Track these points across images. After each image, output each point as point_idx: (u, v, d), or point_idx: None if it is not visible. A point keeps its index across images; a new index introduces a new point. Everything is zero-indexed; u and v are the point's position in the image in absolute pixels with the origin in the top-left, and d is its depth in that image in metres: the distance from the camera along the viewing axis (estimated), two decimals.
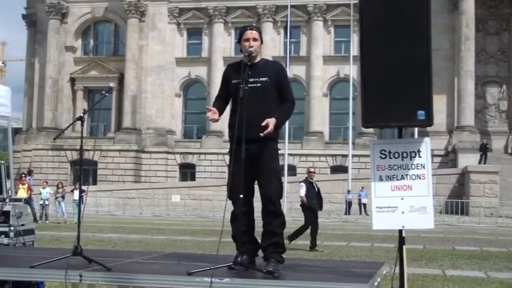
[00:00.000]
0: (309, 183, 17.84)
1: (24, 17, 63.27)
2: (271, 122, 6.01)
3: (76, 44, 60.19)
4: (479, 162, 47.31)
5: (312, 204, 17.65)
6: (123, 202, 45.27)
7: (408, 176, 6.06)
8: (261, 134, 5.98)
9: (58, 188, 32.15)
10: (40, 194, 31.47)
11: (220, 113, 6.45)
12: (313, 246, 17.22)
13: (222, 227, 5.64)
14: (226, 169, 50.33)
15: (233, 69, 6.37)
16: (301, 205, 18.04)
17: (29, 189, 29.19)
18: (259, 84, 6.21)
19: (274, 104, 6.28)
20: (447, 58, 51.84)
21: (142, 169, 56.97)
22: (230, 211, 6.25)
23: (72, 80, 59.52)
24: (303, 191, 17.62)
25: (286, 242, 16.17)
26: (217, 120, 6.30)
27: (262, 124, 5.99)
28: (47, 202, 30.85)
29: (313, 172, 18.36)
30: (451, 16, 52.61)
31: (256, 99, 6.14)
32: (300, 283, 5.44)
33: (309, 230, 17.55)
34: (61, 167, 56.41)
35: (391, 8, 6.00)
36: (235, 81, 6.22)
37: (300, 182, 18.22)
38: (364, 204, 42.17)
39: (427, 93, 5.92)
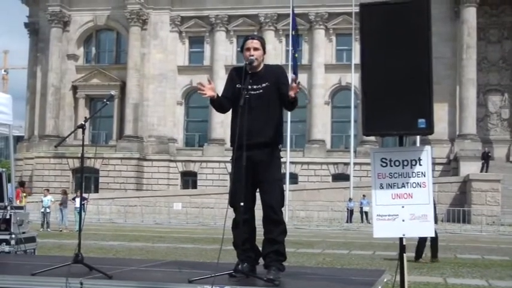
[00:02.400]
0: None
1: (26, 25, 63.39)
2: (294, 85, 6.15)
3: (78, 52, 60.28)
4: (481, 171, 47.28)
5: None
6: (125, 210, 45.25)
7: (409, 184, 6.07)
8: (292, 94, 6.09)
9: (63, 195, 32.30)
10: (42, 201, 31.50)
11: (224, 109, 6.46)
12: (435, 256, 17.06)
13: (222, 234, 5.64)
14: (228, 177, 50.29)
15: (237, 74, 6.40)
16: None
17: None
18: (261, 91, 6.24)
19: (275, 108, 6.30)
20: (449, 66, 51.93)
21: (144, 177, 56.97)
22: (232, 219, 6.26)
23: (74, 88, 59.59)
24: None
25: (419, 261, 16.17)
26: (208, 96, 6.23)
27: (291, 93, 6.09)
28: (48, 210, 30.86)
29: None
30: (453, 24, 52.70)
31: (258, 105, 6.18)
32: None
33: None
34: (63, 174, 56.41)
35: (392, 17, 6.02)
36: (239, 86, 6.24)
37: None
38: (366, 212, 42.14)
39: (428, 102, 5.93)
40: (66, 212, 31.15)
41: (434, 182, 6.19)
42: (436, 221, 17.90)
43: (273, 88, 6.27)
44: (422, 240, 16.68)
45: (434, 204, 17.77)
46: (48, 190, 33.74)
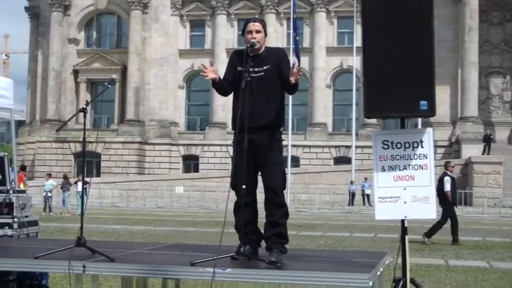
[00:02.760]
0: (452, 178, 17.66)
1: (27, 9, 63.26)
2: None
3: (79, 36, 60.16)
4: (483, 153, 47.31)
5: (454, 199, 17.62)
6: (127, 194, 45.37)
7: (411, 166, 6.06)
8: (293, 80, 6.08)
9: (64, 179, 32.33)
10: (44, 186, 31.55)
11: (225, 92, 6.44)
12: (456, 240, 17.08)
13: (224, 217, 5.65)
14: (229, 160, 50.32)
15: (237, 57, 6.38)
16: (442, 200, 17.41)
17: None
18: (262, 73, 6.23)
19: (277, 91, 6.29)
20: (451, 49, 51.80)
21: (146, 161, 57.05)
22: (233, 202, 6.27)
23: (75, 72, 59.55)
24: (448, 186, 17.28)
25: (424, 239, 16.37)
26: (210, 78, 6.22)
27: (291, 79, 6.09)
28: (50, 194, 30.90)
29: (453, 166, 18.24)
30: (455, 7, 52.52)
31: (260, 88, 6.17)
32: (302, 273, 5.45)
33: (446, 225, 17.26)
34: (65, 159, 56.48)
35: (394, 0, 5.99)
36: (240, 69, 6.23)
37: (444, 176, 17.51)
38: (368, 195, 42.24)
39: (430, 84, 5.91)
40: (66, 195, 31.14)
41: (436, 165, 6.18)
42: (455, 204, 17.97)
43: (275, 71, 6.25)
44: (441, 222, 16.77)
45: (455, 186, 17.79)
46: (50, 174, 33.79)
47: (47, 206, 30.52)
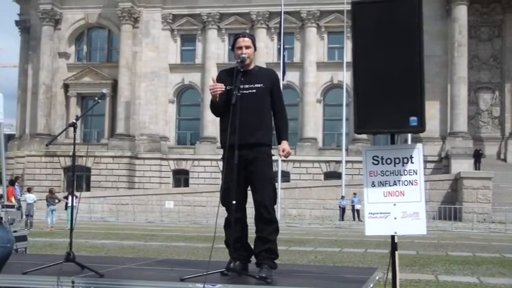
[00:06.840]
0: None
1: (17, 23, 63.19)
2: (286, 147, 6.31)
3: (69, 50, 60.13)
4: (474, 168, 47.42)
5: None
6: (117, 208, 45.15)
7: (401, 182, 6.08)
8: (283, 156, 6.30)
9: (49, 193, 31.73)
10: (25, 200, 31.02)
11: (219, 112, 6.36)
12: None
13: (214, 233, 5.63)
14: (219, 175, 50.22)
15: (226, 75, 6.35)
16: None
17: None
18: (254, 91, 6.23)
19: (267, 110, 6.30)
20: (440, 64, 52.05)
21: (136, 175, 56.89)
22: (223, 217, 6.25)
23: (66, 86, 59.45)
24: None
25: None
26: (221, 91, 6.19)
27: (281, 153, 6.28)
28: (31, 208, 30.26)
29: None
30: (444, 23, 52.84)
31: (251, 105, 6.16)
32: None
33: None
34: (54, 173, 56.26)
35: (384, 16, 6.02)
36: (229, 87, 6.21)
37: None
38: (358, 210, 42.21)
39: (420, 100, 5.94)
40: (49, 210, 30.35)
41: (425, 180, 6.20)
42: None
43: (267, 91, 6.29)
44: None
45: None
46: (30, 189, 33.17)
47: (28, 221, 29.66)
